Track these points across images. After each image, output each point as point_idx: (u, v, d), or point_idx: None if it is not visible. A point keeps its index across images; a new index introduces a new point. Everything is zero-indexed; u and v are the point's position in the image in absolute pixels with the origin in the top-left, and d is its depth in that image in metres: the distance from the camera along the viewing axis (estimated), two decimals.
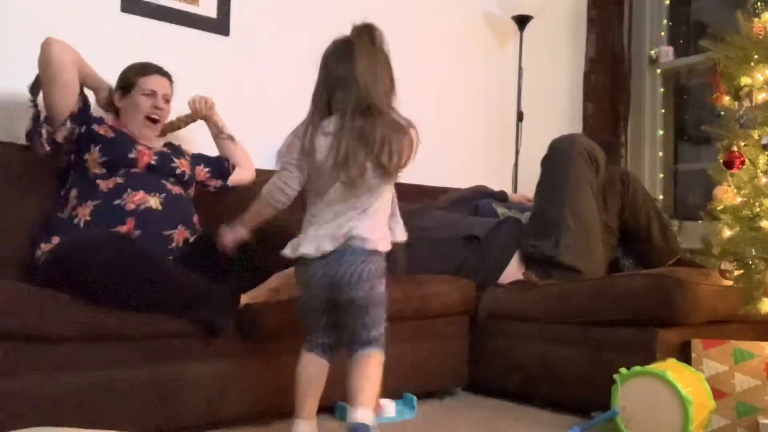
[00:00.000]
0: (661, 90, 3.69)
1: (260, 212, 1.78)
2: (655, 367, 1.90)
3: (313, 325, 1.71)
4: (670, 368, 1.89)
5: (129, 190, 2.11)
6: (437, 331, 2.43)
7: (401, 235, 1.74)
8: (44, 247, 2.01)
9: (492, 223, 2.70)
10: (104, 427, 1.59)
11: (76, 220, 2.05)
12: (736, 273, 2.09)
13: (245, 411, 1.98)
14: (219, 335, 1.90)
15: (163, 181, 2.21)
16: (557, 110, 3.83)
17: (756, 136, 2.13)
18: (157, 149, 2.29)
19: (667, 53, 3.66)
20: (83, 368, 1.72)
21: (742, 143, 2.15)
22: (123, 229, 2.04)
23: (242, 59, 2.96)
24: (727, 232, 2.14)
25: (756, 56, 2.15)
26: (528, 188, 2.88)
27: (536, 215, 2.64)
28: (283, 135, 3.02)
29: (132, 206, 2.08)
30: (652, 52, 3.69)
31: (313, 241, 1.63)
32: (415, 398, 2.23)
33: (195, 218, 2.25)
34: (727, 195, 2.17)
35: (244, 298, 1.98)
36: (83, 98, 2.24)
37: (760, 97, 2.14)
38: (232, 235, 1.84)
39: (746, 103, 2.15)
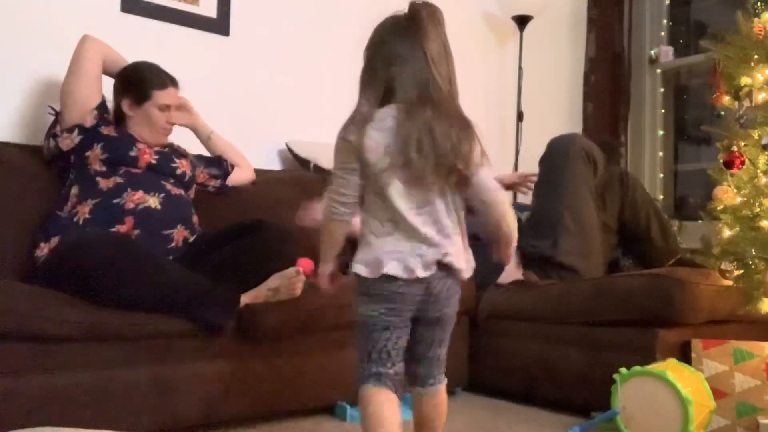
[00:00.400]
0: (661, 90, 3.70)
1: (331, 234, 1.44)
2: (655, 367, 1.90)
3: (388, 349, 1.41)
4: (670, 368, 1.89)
5: (128, 189, 2.11)
6: None
7: None
8: (44, 246, 2.01)
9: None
10: (104, 427, 1.59)
11: (75, 219, 2.05)
12: (736, 273, 2.09)
13: (245, 411, 1.98)
14: (219, 335, 1.90)
15: (163, 182, 2.21)
16: (557, 110, 3.84)
17: (756, 136, 2.13)
18: (158, 149, 2.29)
19: (667, 53, 3.66)
20: (83, 368, 1.72)
21: (742, 143, 2.15)
22: (122, 228, 2.04)
23: (242, 59, 2.96)
24: (727, 232, 2.14)
25: (756, 56, 2.15)
26: (528, 188, 2.87)
27: (535, 215, 2.64)
28: (283, 135, 3.05)
29: (131, 205, 2.08)
30: (652, 52, 3.70)
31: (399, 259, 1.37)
32: None
33: (195, 218, 2.25)
34: (727, 195, 2.17)
35: (244, 298, 1.98)
36: (100, 114, 2.24)
37: (760, 97, 2.14)
38: (325, 275, 1.50)
39: (746, 103, 2.15)
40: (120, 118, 2.28)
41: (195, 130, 2.54)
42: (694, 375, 1.93)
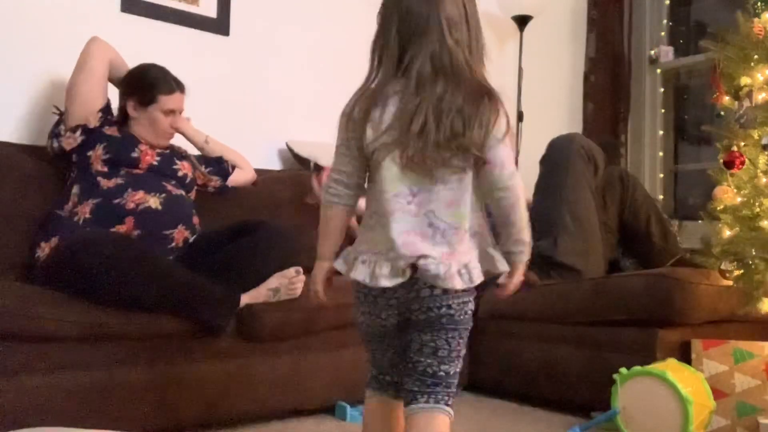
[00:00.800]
0: (661, 90, 3.69)
1: (328, 222, 1.29)
2: (655, 367, 1.90)
3: None
4: (670, 368, 1.89)
5: (129, 189, 2.11)
6: None
7: None
8: (44, 246, 2.01)
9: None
10: (104, 427, 1.59)
11: (75, 218, 2.05)
12: (736, 273, 2.09)
13: (245, 411, 1.98)
14: (219, 335, 1.90)
15: (164, 183, 2.21)
16: (557, 110, 3.83)
17: (756, 136, 2.13)
18: (159, 150, 2.29)
19: (667, 53, 3.66)
20: (83, 368, 1.72)
21: (742, 143, 2.15)
22: (122, 228, 2.04)
23: (242, 59, 2.96)
24: (727, 232, 2.14)
25: (756, 56, 2.15)
26: (528, 188, 2.87)
27: (534, 215, 2.62)
28: (283, 134, 3.05)
29: (132, 205, 2.08)
30: (652, 52, 3.69)
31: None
32: None
33: (195, 219, 2.25)
34: (727, 195, 2.17)
35: (244, 298, 1.98)
36: (104, 116, 2.24)
37: (760, 97, 2.14)
38: (320, 275, 1.33)
39: (746, 103, 2.14)
40: (124, 119, 2.28)
41: (190, 137, 2.52)
42: (694, 375, 1.93)
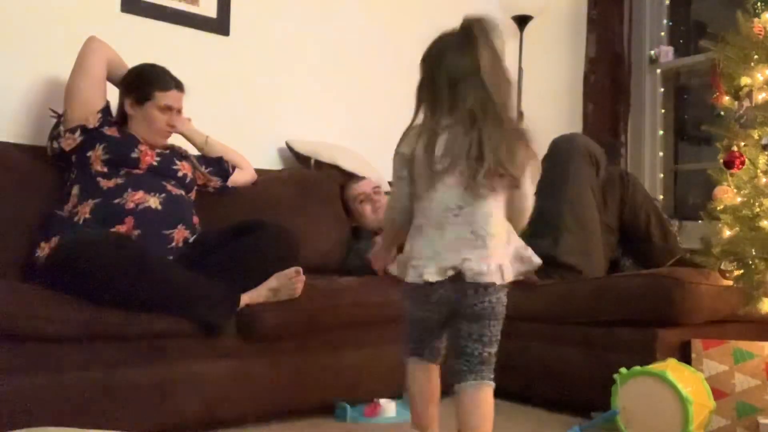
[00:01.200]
0: (661, 90, 3.70)
1: (388, 233, 1.65)
2: (655, 367, 1.90)
3: None
4: (670, 368, 1.89)
5: (129, 189, 2.11)
6: None
7: None
8: (44, 246, 2.01)
9: None
10: (104, 427, 1.59)
11: (75, 218, 2.05)
12: (736, 273, 2.09)
13: (245, 411, 1.98)
14: (219, 335, 1.90)
15: (164, 182, 2.21)
16: (557, 110, 3.83)
17: (756, 136, 2.13)
18: (159, 150, 2.29)
19: (667, 53, 3.66)
20: (83, 368, 1.72)
21: (742, 143, 2.15)
22: (122, 228, 2.04)
23: (242, 59, 2.96)
24: (727, 232, 2.14)
25: (756, 56, 2.15)
26: None
27: (535, 215, 2.63)
28: (282, 134, 3.05)
29: (131, 205, 2.08)
30: (652, 52, 3.70)
31: None
32: None
33: (195, 219, 2.25)
34: (727, 195, 2.17)
35: (244, 298, 1.98)
36: (104, 117, 2.24)
37: (760, 97, 2.14)
38: (377, 255, 1.67)
39: (746, 103, 2.14)
40: (124, 119, 2.28)
41: (189, 138, 2.53)
42: (694, 375, 1.93)
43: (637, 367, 1.90)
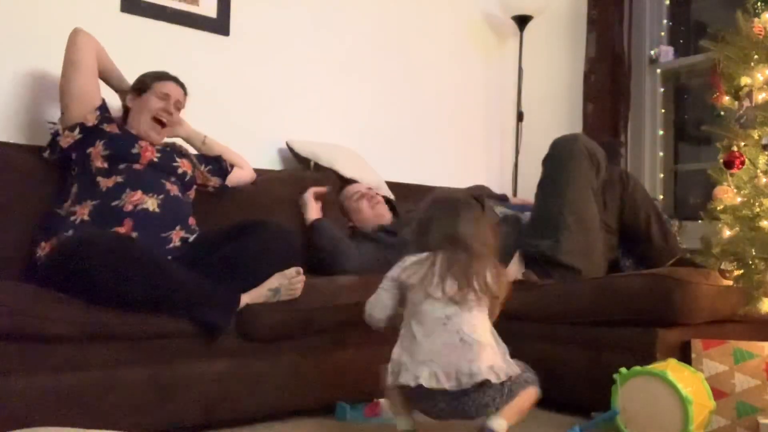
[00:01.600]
0: (661, 90, 3.69)
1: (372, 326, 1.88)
2: (655, 367, 1.90)
3: None
4: (670, 368, 1.88)
5: (128, 189, 2.11)
6: None
7: None
8: (45, 246, 2.01)
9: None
10: (104, 427, 1.59)
11: (73, 218, 2.05)
12: (736, 273, 2.09)
13: (245, 411, 1.98)
14: (219, 335, 1.90)
15: (163, 180, 2.21)
16: (557, 110, 3.83)
17: (756, 136, 2.13)
18: (159, 147, 2.29)
19: (667, 53, 3.66)
20: (83, 368, 1.72)
21: (742, 143, 2.15)
22: (121, 230, 2.04)
23: (242, 59, 2.96)
24: (727, 232, 2.14)
25: (756, 56, 2.15)
26: (528, 188, 2.88)
27: (536, 215, 2.64)
28: (282, 134, 3.05)
29: (129, 207, 2.08)
30: (652, 52, 3.69)
31: None
32: None
33: (191, 220, 2.25)
34: (727, 195, 2.16)
35: (244, 298, 1.98)
36: (102, 114, 2.25)
37: (760, 97, 2.14)
38: None
39: (746, 103, 2.14)
40: (125, 118, 2.30)
41: (188, 139, 2.54)
42: (694, 375, 1.93)
43: (637, 367, 1.90)
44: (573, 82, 3.78)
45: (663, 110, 3.68)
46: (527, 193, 3.02)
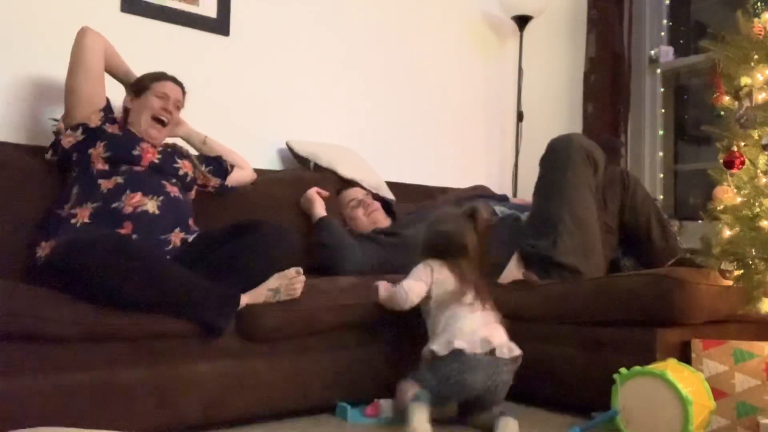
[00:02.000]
0: (661, 90, 3.69)
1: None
2: (655, 367, 1.90)
3: None
4: (670, 368, 1.88)
5: (127, 191, 2.11)
6: None
7: None
8: (45, 246, 2.01)
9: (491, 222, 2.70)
10: (104, 427, 1.59)
11: (73, 221, 2.05)
12: (736, 273, 2.09)
13: (245, 411, 1.98)
14: (219, 335, 1.90)
15: (164, 182, 2.21)
16: (557, 110, 3.84)
17: (756, 136, 2.13)
18: (160, 148, 2.29)
19: (667, 53, 3.65)
20: (83, 368, 1.72)
21: (742, 143, 2.14)
22: (121, 232, 2.04)
23: (242, 59, 2.96)
24: (727, 232, 2.14)
25: (756, 56, 2.15)
26: (528, 188, 2.88)
27: (534, 215, 2.64)
28: (282, 134, 3.05)
29: (129, 209, 2.08)
30: (652, 52, 3.69)
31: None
32: None
33: (191, 221, 2.25)
34: (727, 195, 2.16)
35: (244, 298, 1.98)
36: (105, 115, 2.25)
37: (760, 97, 2.13)
38: None
39: (746, 103, 2.14)
40: (126, 119, 2.30)
41: (188, 139, 2.54)
42: (694, 375, 1.93)
43: (637, 367, 1.90)
44: (573, 82, 3.78)
45: (663, 110, 3.68)
46: (527, 193, 3.02)
